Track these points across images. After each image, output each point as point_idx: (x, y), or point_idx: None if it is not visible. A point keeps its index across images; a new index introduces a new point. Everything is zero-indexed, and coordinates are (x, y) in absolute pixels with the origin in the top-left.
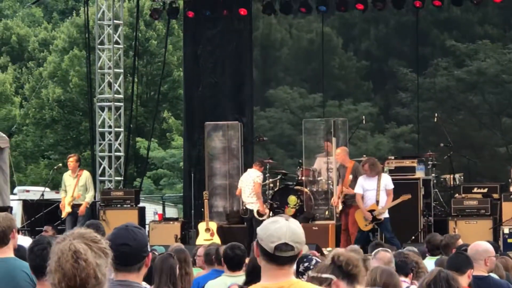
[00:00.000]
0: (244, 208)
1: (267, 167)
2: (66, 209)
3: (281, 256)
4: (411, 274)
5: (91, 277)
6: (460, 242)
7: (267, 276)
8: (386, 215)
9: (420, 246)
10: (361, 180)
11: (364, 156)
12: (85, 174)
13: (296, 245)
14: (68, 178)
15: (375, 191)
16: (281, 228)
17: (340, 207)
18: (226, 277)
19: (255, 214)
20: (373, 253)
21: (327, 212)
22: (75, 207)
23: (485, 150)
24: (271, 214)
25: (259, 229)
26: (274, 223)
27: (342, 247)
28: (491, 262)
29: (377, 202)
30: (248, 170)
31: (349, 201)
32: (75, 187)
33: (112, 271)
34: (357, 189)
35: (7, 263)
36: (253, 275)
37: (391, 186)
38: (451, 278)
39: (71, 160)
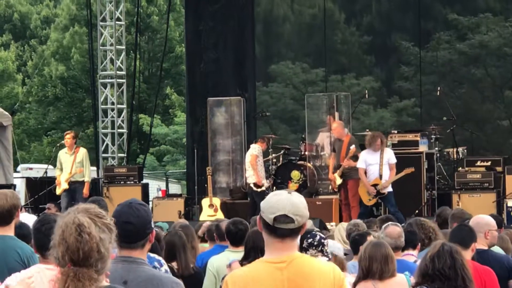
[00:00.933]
0: (245, 182)
1: (270, 142)
2: (62, 186)
3: (280, 228)
4: (419, 245)
5: (94, 251)
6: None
7: (270, 250)
8: (390, 189)
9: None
10: (364, 154)
11: (367, 130)
12: (82, 151)
13: (297, 217)
14: (64, 155)
15: (378, 165)
16: (282, 200)
17: (339, 180)
18: (229, 252)
19: (252, 186)
20: (382, 227)
21: (330, 187)
22: (73, 184)
23: (488, 123)
24: (274, 189)
25: (262, 202)
26: (276, 195)
27: (344, 221)
28: (492, 236)
29: (380, 176)
30: (251, 145)
31: (348, 174)
32: (72, 164)
33: (116, 248)
34: (360, 164)
35: (3, 240)
36: (252, 251)
37: (394, 160)
38: (455, 251)
39: (68, 137)
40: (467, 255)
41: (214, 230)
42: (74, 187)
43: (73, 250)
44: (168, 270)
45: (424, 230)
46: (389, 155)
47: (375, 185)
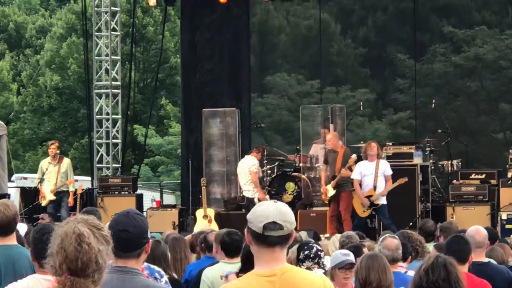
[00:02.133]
0: (241, 195)
1: (265, 154)
2: (48, 197)
3: (270, 236)
4: (410, 258)
5: (92, 261)
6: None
7: (260, 263)
8: (384, 201)
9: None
10: (359, 165)
11: (362, 142)
12: (66, 161)
13: (285, 224)
14: (47, 165)
15: (373, 176)
16: (268, 209)
17: (332, 192)
18: (224, 263)
19: (256, 202)
20: (380, 239)
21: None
22: (58, 194)
23: (483, 136)
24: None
25: (248, 215)
26: (261, 205)
27: (331, 234)
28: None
29: (375, 187)
30: (246, 156)
31: (342, 186)
32: (57, 175)
33: (112, 257)
34: (355, 175)
35: (11, 250)
36: (249, 262)
37: (390, 172)
38: (449, 263)
39: (54, 147)
40: (464, 267)
41: (203, 241)
42: (60, 197)
43: (71, 259)
44: (168, 282)
45: (411, 243)
46: (385, 167)
47: (369, 197)
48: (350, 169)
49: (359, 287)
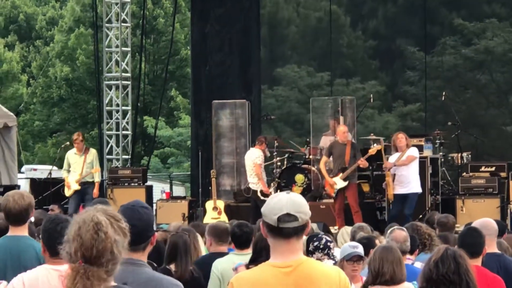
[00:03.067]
0: (247, 186)
1: (275, 145)
2: (73, 187)
3: (285, 227)
4: (417, 250)
5: (107, 251)
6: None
7: (275, 254)
8: (415, 190)
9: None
10: (392, 158)
11: (372, 134)
12: (92, 152)
13: (300, 215)
14: (73, 156)
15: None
16: (281, 200)
17: (343, 184)
18: (234, 255)
19: (259, 194)
20: (388, 231)
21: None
22: (83, 185)
23: (493, 128)
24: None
25: (263, 207)
26: (275, 197)
27: (339, 227)
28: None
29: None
30: (250, 149)
31: (350, 178)
32: (83, 165)
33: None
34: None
35: (20, 241)
36: (259, 253)
37: (413, 153)
38: (459, 255)
39: (78, 141)
40: (477, 261)
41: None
42: (84, 188)
43: (87, 247)
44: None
45: (420, 236)
46: (411, 151)
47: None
48: (368, 160)
49: (371, 278)
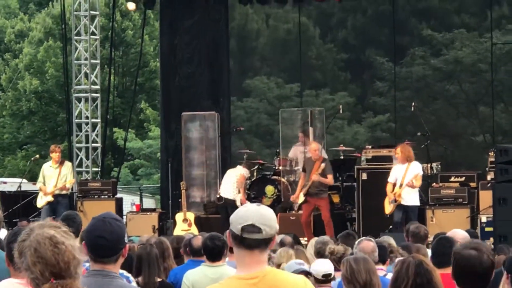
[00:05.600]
0: (219, 195)
1: (244, 157)
2: (45, 198)
3: (248, 238)
4: (388, 260)
5: (72, 259)
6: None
7: (240, 266)
8: (413, 203)
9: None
10: (393, 169)
11: (341, 145)
12: (68, 164)
13: (265, 227)
14: (48, 168)
15: (401, 177)
16: (249, 211)
17: (302, 199)
18: (206, 267)
19: (238, 203)
20: (356, 242)
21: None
22: (56, 197)
23: (462, 139)
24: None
25: (231, 216)
26: (245, 207)
27: (308, 239)
28: None
29: (401, 185)
30: (237, 166)
31: (316, 193)
32: (58, 177)
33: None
34: (389, 178)
35: None
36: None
37: (417, 171)
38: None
39: (57, 152)
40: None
41: (187, 245)
42: (57, 200)
43: (52, 264)
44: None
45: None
46: (415, 167)
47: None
48: (324, 176)
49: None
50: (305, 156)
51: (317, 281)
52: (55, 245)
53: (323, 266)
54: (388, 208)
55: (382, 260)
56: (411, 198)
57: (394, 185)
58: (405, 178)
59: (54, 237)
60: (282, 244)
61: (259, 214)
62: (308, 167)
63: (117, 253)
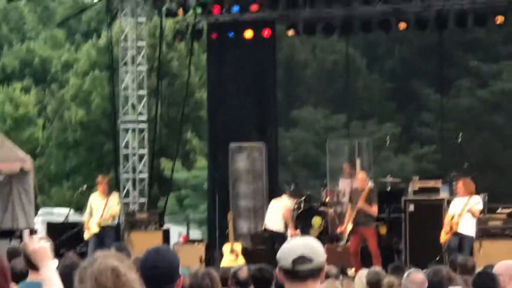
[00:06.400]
0: (264, 228)
1: (290, 188)
2: (92, 230)
3: (300, 270)
4: None
5: None
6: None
7: None
8: (469, 233)
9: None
10: (453, 202)
11: (389, 176)
12: (115, 195)
13: (314, 256)
14: (96, 199)
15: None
16: (296, 244)
17: (349, 228)
18: None
19: (288, 235)
20: (405, 275)
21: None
22: (103, 228)
23: (509, 170)
24: None
25: (278, 253)
26: (289, 242)
27: (356, 269)
28: None
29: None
30: (283, 196)
31: (363, 222)
32: (104, 208)
33: None
34: (450, 210)
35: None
36: None
37: (477, 206)
38: None
39: (106, 182)
40: None
41: (233, 277)
42: (104, 232)
43: None
44: None
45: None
46: (475, 201)
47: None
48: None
49: None
50: (352, 186)
51: None
52: (117, 275)
53: None
54: (444, 237)
55: None
56: (468, 227)
57: (453, 217)
58: (464, 211)
59: (116, 269)
60: (327, 275)
61: (305, 245)
62: (355, 197)
63: (171, 283)
